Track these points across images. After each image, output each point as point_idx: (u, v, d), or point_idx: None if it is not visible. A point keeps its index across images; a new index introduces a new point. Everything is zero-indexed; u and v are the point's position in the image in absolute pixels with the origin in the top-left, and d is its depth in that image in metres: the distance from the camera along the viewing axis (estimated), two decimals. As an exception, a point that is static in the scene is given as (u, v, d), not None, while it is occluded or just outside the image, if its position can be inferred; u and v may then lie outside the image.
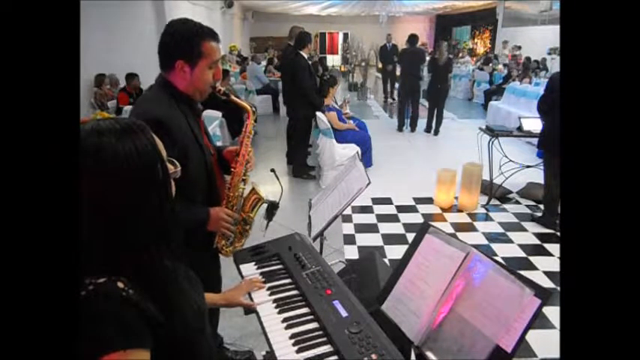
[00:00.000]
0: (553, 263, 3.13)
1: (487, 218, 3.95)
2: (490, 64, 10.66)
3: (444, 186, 4.11)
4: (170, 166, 0.82)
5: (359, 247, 3.39)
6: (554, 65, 9.27)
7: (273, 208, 1.65)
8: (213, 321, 1.86)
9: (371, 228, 3.76)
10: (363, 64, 12.74)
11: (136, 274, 0.72)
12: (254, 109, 1.67)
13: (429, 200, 4.29)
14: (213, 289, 1.68)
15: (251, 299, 1.31)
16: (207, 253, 1.59)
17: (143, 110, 1.39)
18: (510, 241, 3.49)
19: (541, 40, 11.02)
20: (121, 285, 0.69)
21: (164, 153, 0.80)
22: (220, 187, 1.58)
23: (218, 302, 1.30)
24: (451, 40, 17.21)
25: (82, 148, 0.68)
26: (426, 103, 7.10)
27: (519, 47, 11.18)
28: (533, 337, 2.28)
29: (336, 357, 1.05)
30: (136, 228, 0.73)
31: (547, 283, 2.85)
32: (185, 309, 0.82)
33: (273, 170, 1.78)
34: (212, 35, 1.42)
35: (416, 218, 3.92)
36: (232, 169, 1.55)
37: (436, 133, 7.04)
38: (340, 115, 5.02)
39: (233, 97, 1.60)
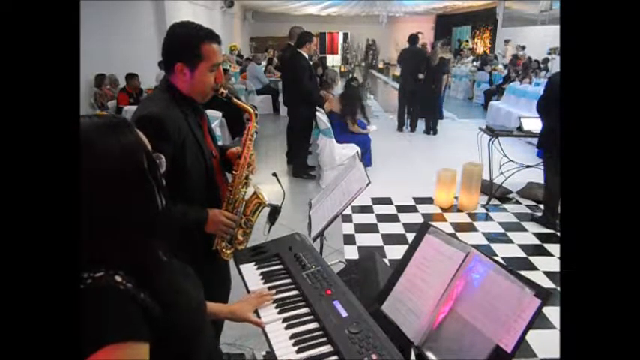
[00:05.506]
0: (553, 263, 3.14)
1: (487, 218, 3.96)
2: (488, 65, 10.65)
3: (444, 186, 4.11)
4: None
5: (359, 247, 3.39)
6: (555, 65, 9.27)
7: (275, 212, 1.64)
8: (216, 325, 1.85)
9: (371, 228, 3.76)
10: (363, 64, 12.75)
11: (130, 268, 0.72)
12: (255, 110, 1.64)
13: (429, 200, 4.29)
14: (218, 297, 1.67)
15: (258, 316, 1.22)
16: (213, 259, 1.58)
17: (140, 109, 1.42)
18: (510, 241, 3.50)
19: (541, 40, 11.02)
20: (118, 278, 0.69)
21: (149, 146, 0.79)
22: (221, 189, 1.58)
23: (222, 314, 1.21)
24: (450, 39, 17.23)
25: None
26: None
27: (523, 47, 11.15)
28: (533, 337, 2.28)
29: (336, 357, 1.05)
30: (127, 222, 0.73)
31: (547, 283, 2.85)
32: (182, 305, 0.82)
33: (275, 174, 1.77)
34: (212, 37, 1.40)
35: (416, 218, 3.92)
36: (234, 172, 1.54)
37: (435, 132, 7.05)
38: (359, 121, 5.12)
39: (235, 100, 1.59)
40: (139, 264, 0.74)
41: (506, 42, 12.93)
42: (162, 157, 0.86)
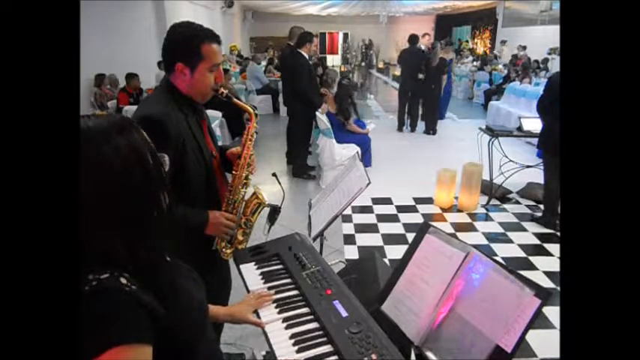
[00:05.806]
0: (553, 263, 3.14)
1: (487, 218, 3.96)
2: (488, 65, 10.64)
3: (444, 186, 4.11)
4: None
5: (359, 247, 3.40)
6: (554, 65, 9.26)
7: (274, 212, 1.65)
8: (216, 325, 1.85)
9: (371, 228, 3.76)
10: (363, 64, 12.75)
11: (135, 269, 0.72)
12: (255, 110, 1.64)
13: (429, 200, 4.29)
14: (219, 298, 1.67)
15: (258, 316, 1.22)
16: (213, 259, 1.58)
17: (141, 109, 1.43)
18: (510, 241, 3.50)
19: (541, 40, 11.01)
20: (124, 281, 0.69)
21: (153, 145, 0.79)
22: (221, 189, 1.58)
23: (221, 317, 1.21)
24: (451, 39, 17.25)
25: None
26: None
27: (524, 47, 11.14)
28: (533, 337, 2.28)
29: (336, 357, 1.05)
30: (132, 222, 0.73)
31: (547, 283, 2.85)
32: (184, 306, 0.82)
33: (274, 174, 1.77)
34: (212, 38, 1.41)
35: (416, 218, 3.92)
36: (234, 172, 1.54)
37: (435, 132, 7.05)
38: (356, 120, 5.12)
39: (235, 100, 1.59)
40: (144, 264, 0.74)
41: (503, 42, 12.92)
42: (166, 156, 0.86)
